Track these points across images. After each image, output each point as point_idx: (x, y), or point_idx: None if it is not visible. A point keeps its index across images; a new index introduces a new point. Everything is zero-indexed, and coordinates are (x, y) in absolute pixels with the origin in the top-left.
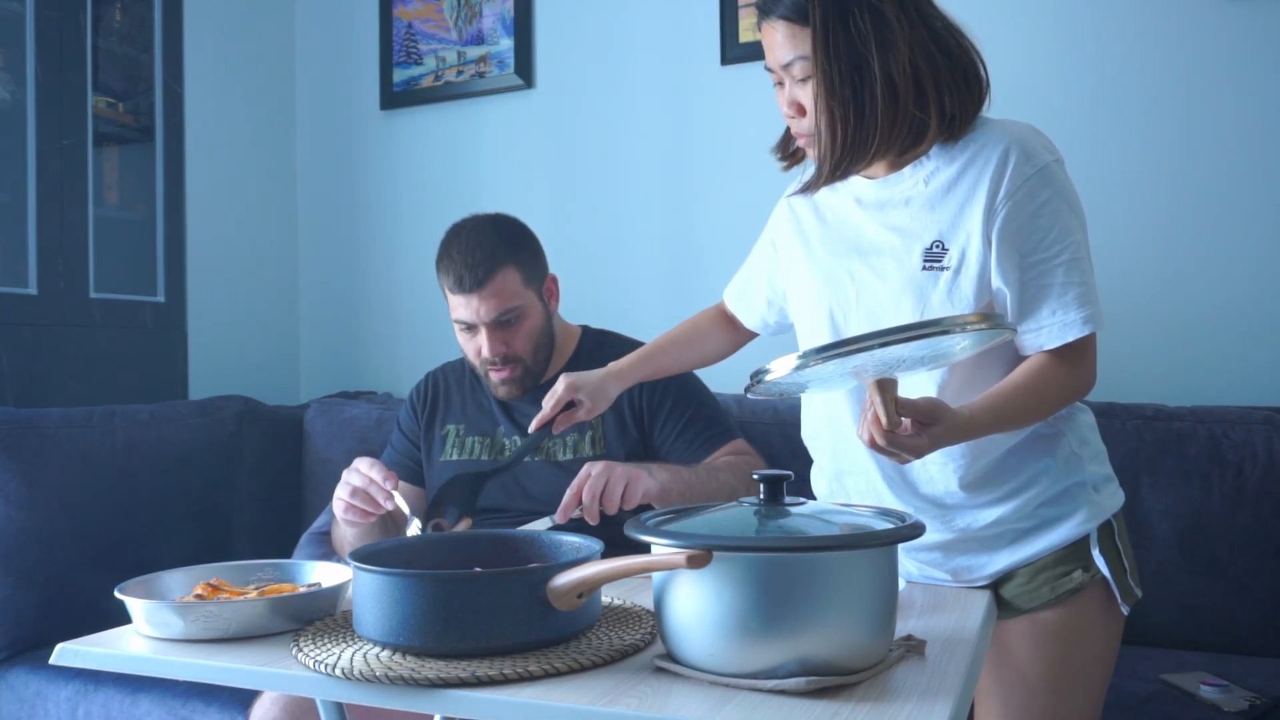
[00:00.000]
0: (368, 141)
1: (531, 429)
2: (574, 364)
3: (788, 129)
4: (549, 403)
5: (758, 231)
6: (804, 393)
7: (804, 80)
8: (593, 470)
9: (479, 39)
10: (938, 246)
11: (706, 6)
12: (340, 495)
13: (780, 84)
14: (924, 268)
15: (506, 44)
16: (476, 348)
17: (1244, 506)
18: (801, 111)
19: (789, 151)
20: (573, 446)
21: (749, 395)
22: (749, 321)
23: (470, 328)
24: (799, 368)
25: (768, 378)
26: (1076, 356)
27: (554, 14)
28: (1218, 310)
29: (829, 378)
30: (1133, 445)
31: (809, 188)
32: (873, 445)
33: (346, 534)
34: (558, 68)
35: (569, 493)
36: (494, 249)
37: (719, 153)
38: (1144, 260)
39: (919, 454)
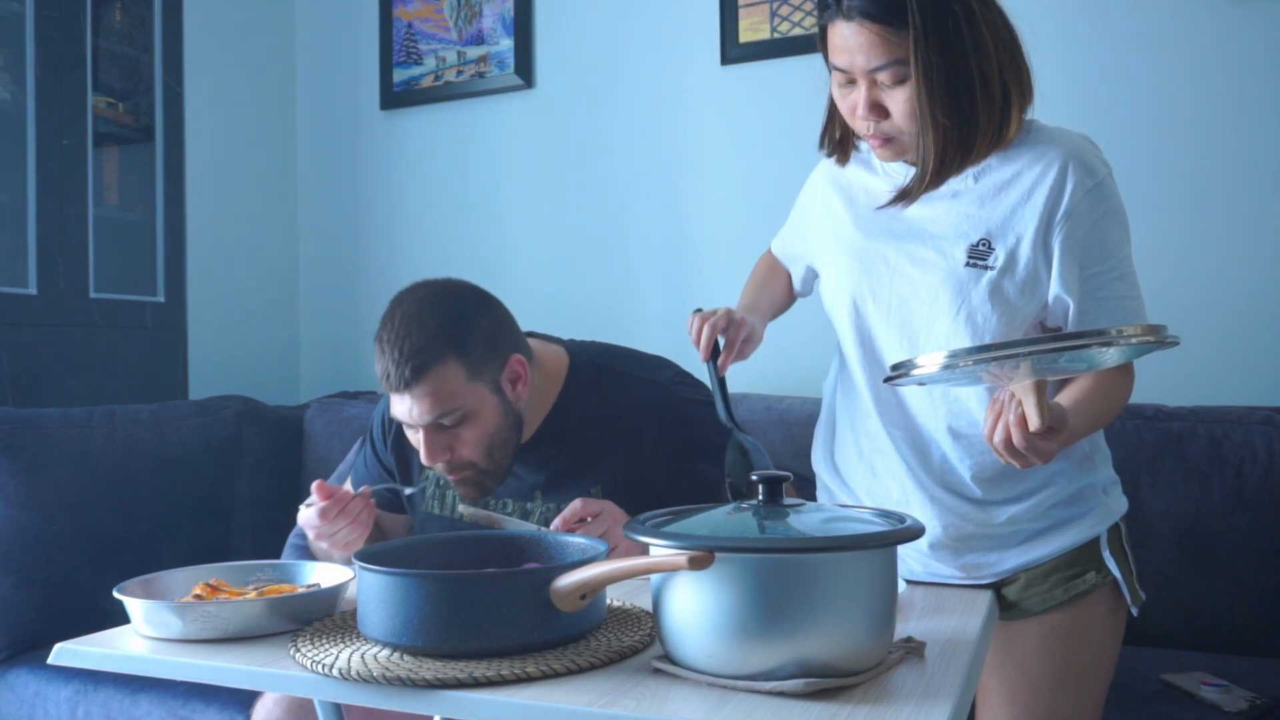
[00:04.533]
0: (368, 141)
1: (721, 367)
2: (564, 401)
3: (829, 121)
4: (715, 335)
5: (757, 230)
6: (932, 384)
7: (895, 85)
8: (611, 511)
9: (479, 39)
10: (984, 245)
11: (706, 6)
12: (337, 543)
13: (849, 83)
14: (968, 264)
15: (506, 44)
16: (417, 445)
17: (1244, 506)
18: (883, 114)
19: (837, 143)
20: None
21: (888, 384)
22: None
23: (410, 425)
24: (947, 367)
25: (914, 372)
26: (1128, 364)
27: (554, 14)
28: (1218, 311)
29: (965, 376)
30: (1133, 445)
31: (904, 198)
32: (1008, 446)
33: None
34: (558, 68)
35: (560, 520)
36: (430, 339)
37: (718, 153)
38: (1143, 261)
39: (1047, 458)
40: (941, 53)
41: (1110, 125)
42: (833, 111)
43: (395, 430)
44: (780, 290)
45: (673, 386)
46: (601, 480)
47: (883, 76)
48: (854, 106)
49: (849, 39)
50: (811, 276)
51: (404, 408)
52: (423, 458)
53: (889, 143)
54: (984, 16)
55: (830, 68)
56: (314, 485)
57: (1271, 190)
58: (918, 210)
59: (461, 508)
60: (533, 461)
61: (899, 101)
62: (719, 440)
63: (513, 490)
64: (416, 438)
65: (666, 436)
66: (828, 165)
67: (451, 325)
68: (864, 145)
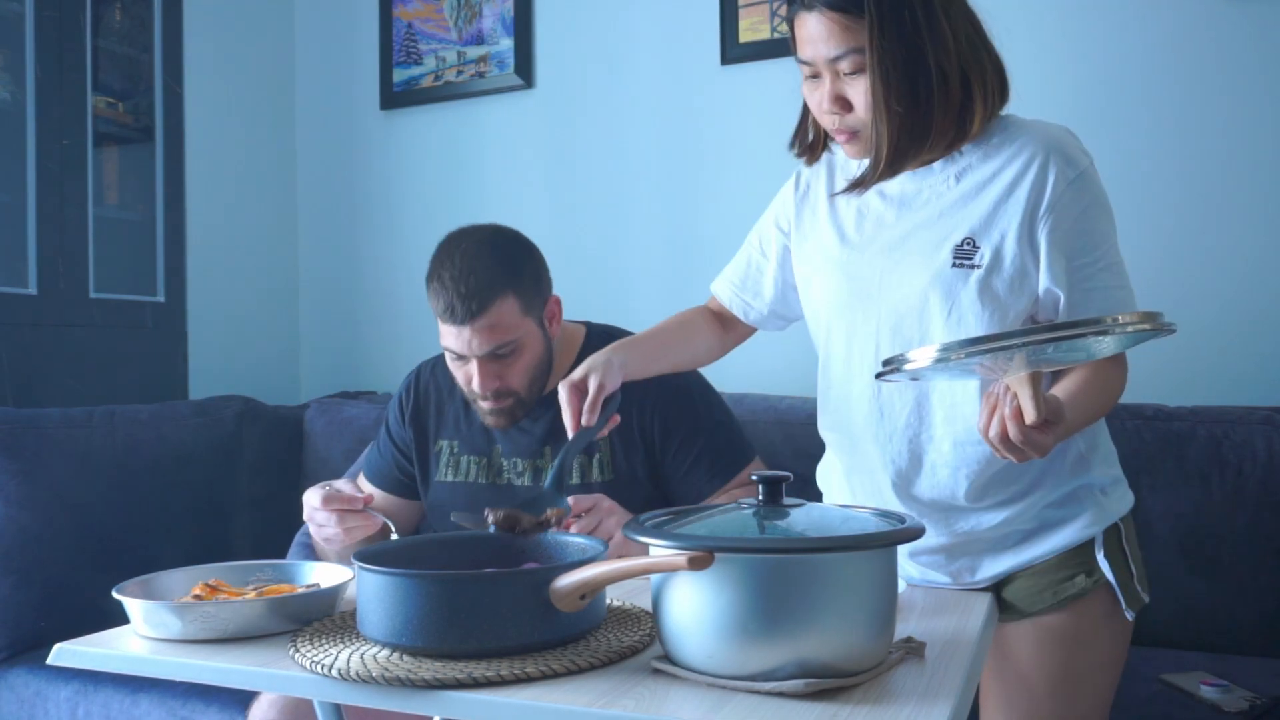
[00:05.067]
0: (368, 141)
1: (570, 435)
2: (579, 364)
3: (802, 122)
4: (564, 412)
5: (736, 253)
6: (927, 381)
7: (853, 74)
8: (602, 504)
9: (479, 39)
10: (969, 244)
11: (706, 6)
12: (320, 533)
13: (815, 77)
14: (954, 264)
15: (506, 44)
16: (467, 377)
17: (1244, 506)
18: (846, 107)
19: (808, 144)
20: (579, 471)
21: (879, 380)
22: (749, 316)
23: (461, 357)
24: (939, 360)
25: (906, 366)
26: (1120, 355)
27: (554, 14)
28: (1218, 310)
29: (958, 370)
30: (1133, 445)
31: (859, 185)
32: (1003, 440)
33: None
34: (558, 68)
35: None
36: (491, 276)
37: (718, 153)
38: (1143, 260)
39: (1044, 452)
40: (897, 41)
41: (1109, 124)
42: (806, 113)
43: (413, 406)
44: (693, 337)
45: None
46: (609, 436)
47: (843, 65)
48: (820, 100)
49: (811, 29)
50: (783, 303)
51: (463, 340)
52: (475, 386)
53: (854, 137)
54: (943, 7)
55: (799, 63)
56: (346, 485)
57: (1272, 189)
58: (901, 215)
59: (454, 515)
60: (544, 419)
61: (859, 92)
62: (718, 414)
63: (523, 449)
64: (468, 369)
65: (667, 399)
66: (803, 178)
67: (508, 264)
68: (839, 153)
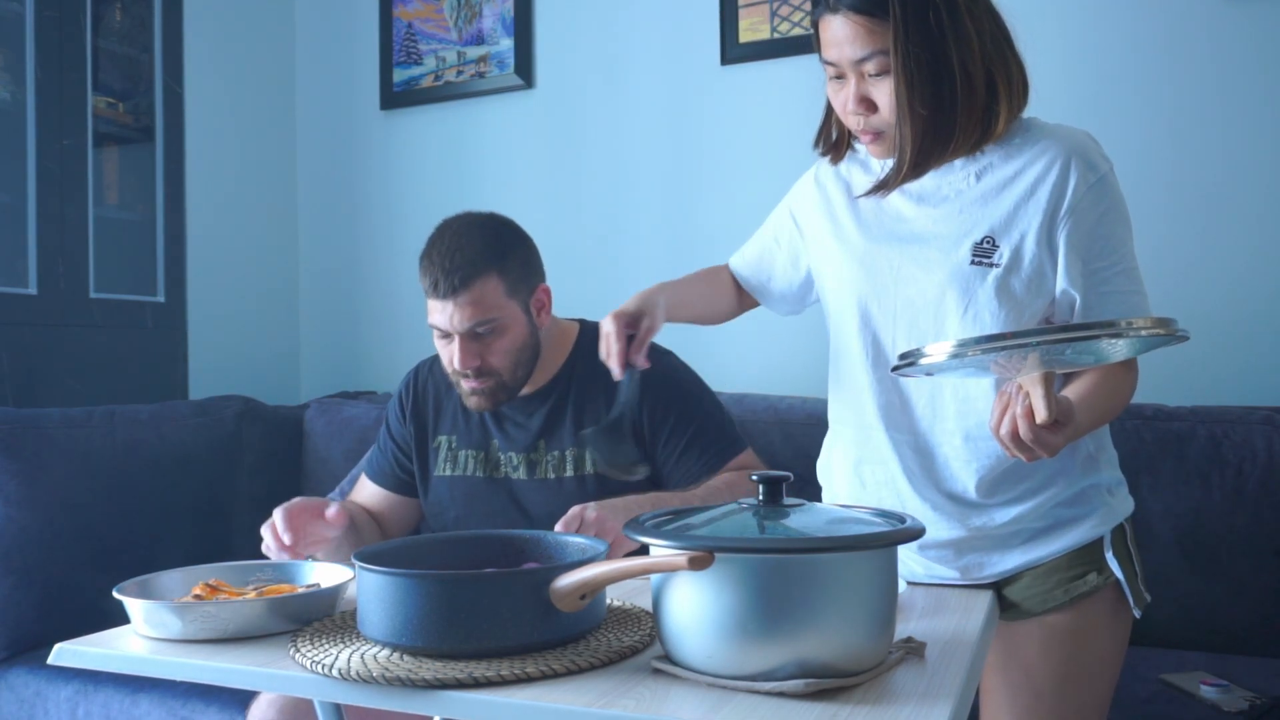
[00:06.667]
0: (368, 141)
1: (617, 376)
2: (571, 363)
3: (826, 120)
4: (612, 345)
5: (757, 230)
6: (940, 375)
7: (879, 76)
8: (587, 515)
9: (479, 39)
10: (989, 242)
11: (706, 6)
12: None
13: (840, 78)
14: (972, 261)
15: (506, 44)
16: (450, 355)
17: (1244, 506)
18: (871, 108)
19: (832, 143)
20: (573, 462)
21: (894, 374)
22: (759, 297)
23: (445, 334)
24: (955, 355)
25: (922, 361)
26: (1131, 361)
27: (554, 14)
28: (1218, 310)
29: (973, 367)
30: (1133, 445)
31: (883, 187)
32: (1014, 438)
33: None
34: (558, 68)
35: (559, 529)
36: (477, 254)
37: (719, 153)
38: (1142, 260)
39: (1053, 452)
40: (921, 44)
41: (1108, 124)
42: (830, 111)
43: (413, 403)
44: (718, 294)
45: (667, 356)
46: (597, 425)
47: (868, 67)
48: (845, 101)
49: (836, 31)
50: (795, 292)
51: (446, 314)
52: (455, 363)
53: (879, 138)
54: (968, 9)
55: (824, 64)
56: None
57: (1270, 189)
58: (920, 211)
59: None
60: (539, 413)
61: (884, 94)
62: (706, 404)
63: (519, 443)
64: (451, 348)
65: (654, 389)
66: (824, 169)
67: (495, 245)
68: (862, 149)
